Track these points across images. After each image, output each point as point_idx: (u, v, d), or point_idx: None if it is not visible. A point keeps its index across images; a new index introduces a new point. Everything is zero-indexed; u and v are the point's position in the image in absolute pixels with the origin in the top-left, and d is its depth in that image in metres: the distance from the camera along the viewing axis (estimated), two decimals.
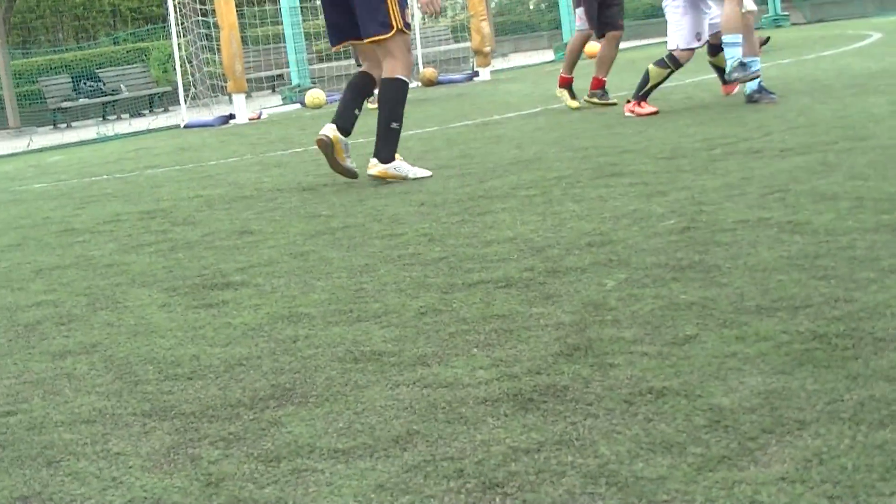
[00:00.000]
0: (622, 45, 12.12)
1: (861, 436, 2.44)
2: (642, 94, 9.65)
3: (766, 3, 24.88)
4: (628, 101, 9.75)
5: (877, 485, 2.21)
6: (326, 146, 7.49)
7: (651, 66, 9.72)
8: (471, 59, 21.89)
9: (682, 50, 9.51)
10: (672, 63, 9.62)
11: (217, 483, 2.64)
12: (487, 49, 20.05)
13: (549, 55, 24.74)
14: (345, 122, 7.77)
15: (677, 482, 2.33)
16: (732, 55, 8.85)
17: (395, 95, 7.67)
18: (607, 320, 3.59)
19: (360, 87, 8.09)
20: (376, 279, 4.61)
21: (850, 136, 6.61)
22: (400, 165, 7.65)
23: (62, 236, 6.98)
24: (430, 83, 18.51)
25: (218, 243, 5.95)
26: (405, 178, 7.54)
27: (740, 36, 8.83)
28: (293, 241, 5.70)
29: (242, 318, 4.23)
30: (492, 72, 20.27)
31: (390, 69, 7.58)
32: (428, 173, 7.62)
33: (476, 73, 20.06)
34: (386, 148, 7.64)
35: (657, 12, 30.89)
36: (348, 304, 4.25)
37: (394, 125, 7.66)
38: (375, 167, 7.60)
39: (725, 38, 8.93)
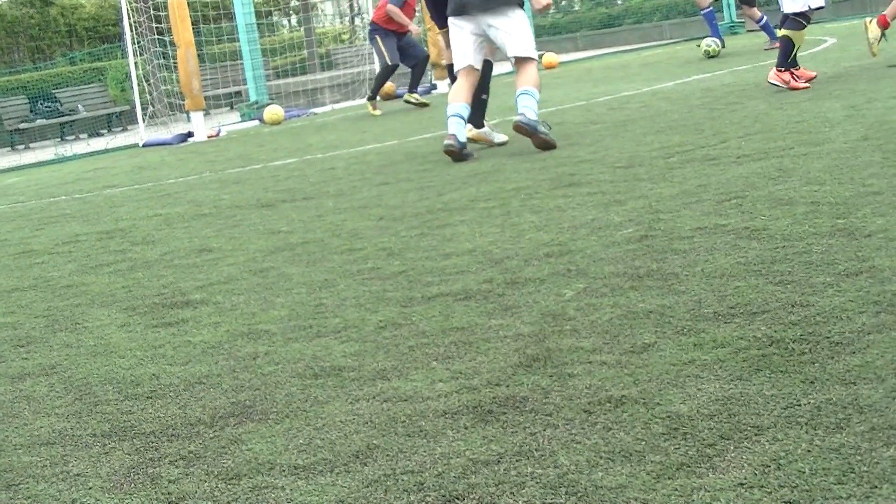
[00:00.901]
0: (581, 55, 12.22)
1: (818, 440, 2.46)
2: (791, 61, 9.82)
3: (722, 11, 25.00)
4: (780, 70, 9.85)
5: (833, 488, 2.23)
6: (454, 153, 8.69)
7: (788, 32, 9.89)
8: (428, 73, 21.89)
9: (812, 9, 9.84)
10: (805, 20, 9.97)
11: (178, 502, 2.64)
12: (444, 62, 20.04)
13: (506, 67, 24.76)
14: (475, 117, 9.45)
15: (636, 490, 2.35)
16: None
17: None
18: (566, 330, 3.60)
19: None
20: (336, 294, 4.61)
21: (806, 141, 6.65)
22: (487, 131, 9.53)
23: (20, 258, 6.94)
24: (388, 97, 18.49)
25: (177, 262, 5.93)
26: (492, 143, 9.40)
27: None
28: (252, 258, 5.69)
29: (202, 337, 4.22)
30: (449, 84, 20.28)
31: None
32: (505, 138, 9.35)
33: (434, 87, 20.05)
34: (476, 116, 9.36)
35: (614, 22, 31.05)
36: (308, 319, 4.25)
37: (483, 96, 9.55)
38: (471, 131, 9.28)
39: None
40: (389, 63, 15.63)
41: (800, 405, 2.67)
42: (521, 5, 9.13)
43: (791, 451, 2.42)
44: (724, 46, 16.71)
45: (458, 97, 8.90)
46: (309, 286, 4.84)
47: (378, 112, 15.49)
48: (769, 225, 4.63)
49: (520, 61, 8.99)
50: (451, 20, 9.15)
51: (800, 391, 2.76)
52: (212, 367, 3.79)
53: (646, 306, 3.73)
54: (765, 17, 16.58)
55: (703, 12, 17.24)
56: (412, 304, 4.26)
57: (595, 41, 29.67)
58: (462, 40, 9.06)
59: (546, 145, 8.44)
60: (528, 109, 8.62)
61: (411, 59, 15.89)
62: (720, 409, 2.71)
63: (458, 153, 8.60)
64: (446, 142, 8.64)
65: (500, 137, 9.45)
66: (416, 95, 16.05)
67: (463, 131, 8.80)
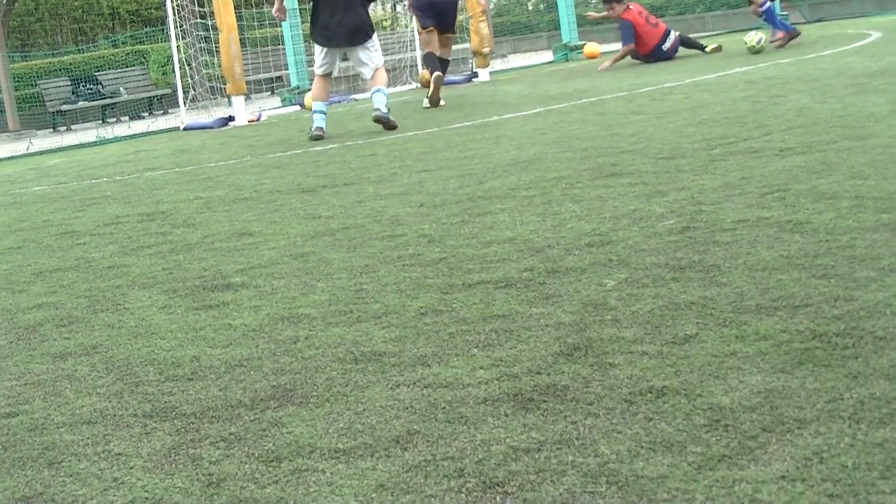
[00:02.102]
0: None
1: (861, 434, 2.45)
2: None
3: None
4: None
5: (877, 483, 2.22)
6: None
7: None
8: (470, 61, 21.87)
9: None
10: None
11: (218, 483, 2.65)
12: (486, 50, 20.01)
13: (548, 56, 24.72)
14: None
15: (677, 481, 2.34)
16: None
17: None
18: (607, 320, 3.59)
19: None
20: (376, 280, 4.62)
21: (850, 135, 6.61)
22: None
23: (62, 239, 6.98)
24: (427, 85, 18.47)
25: (218, 245, 5.95)
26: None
27: None
28: (293, 243, 5.70)
29: (243, 320, 4.24)
30: (491, 73, 20.25)
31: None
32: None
33: (475, 74, 20.02)
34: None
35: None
36: (348, 304, 4.25)
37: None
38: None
39: None
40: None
41: (843, 399, 2.65)
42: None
43: (834, 445, 2.41)
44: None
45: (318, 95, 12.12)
46: (349, 271, 4.85)
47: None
48: (812, 218, 4.60)
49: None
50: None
51: (843, 385, 2.74)
52: (252, 350, 3.80)
53: (687, 297, 3.72)
54: (768, 3, 16.57)
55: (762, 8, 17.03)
56: (453, 290, 4.26)
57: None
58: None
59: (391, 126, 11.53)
60: (381, 104, 11.64)
61: None
62: (762, 402, 2.70)
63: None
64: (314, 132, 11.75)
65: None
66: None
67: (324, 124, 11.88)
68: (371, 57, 11.88)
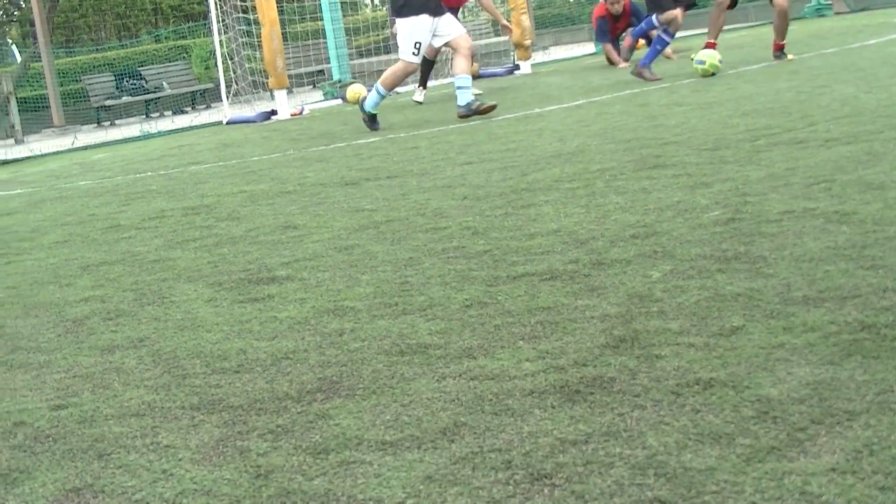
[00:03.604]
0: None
1: None
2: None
3: None
4: None
5: None
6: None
7: None
8: (511, 53, 21.84)
9: None
10: None
11: (266, 475, 2.66)
12: (528, 42, 19.99)
13: (589, 48, 24.63)
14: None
15: (726, 473, 2.33)
16: None
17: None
18: (653, 312, 3.58)
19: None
20: (421, 272, 4.62)
21: None
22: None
23: (108, 233, 7.03)
24: (472, 77, 18.48)
25: (262, 238, 5.97)
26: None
27: None
28: (337, 236, 5.72)
29: (288, 312, 4.25)
30: (532, 65, 20.22)
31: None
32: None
33: (517, 67, 19.99)
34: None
35: (698, 3, 30.76)
36: (393, 297, 4.26)
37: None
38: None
39: None
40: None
41: (893, 391, 2.63)
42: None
43: (884, 437, 2.39)
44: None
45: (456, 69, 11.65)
46: (394, 264, 4.86)
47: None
48: (859, 209, 4.57)
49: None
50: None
51: (892, 377, 2.72)
52: (298, 342, 3.81)
53: (734, 289, 3.70)
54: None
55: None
56: (497, 283, 4.26)
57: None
58: None
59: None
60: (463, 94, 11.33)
61: None
62: (811, 394, 2.69)
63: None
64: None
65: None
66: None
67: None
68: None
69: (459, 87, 11.37)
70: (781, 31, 13.00)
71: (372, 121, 11.74)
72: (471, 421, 2.83)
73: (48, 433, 3.20)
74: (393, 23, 14.34)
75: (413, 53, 11.40)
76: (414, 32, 11.34)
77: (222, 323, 4.24)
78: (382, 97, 11.74)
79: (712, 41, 12.88)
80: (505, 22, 16.35)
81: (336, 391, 3.23)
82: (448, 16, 11.62)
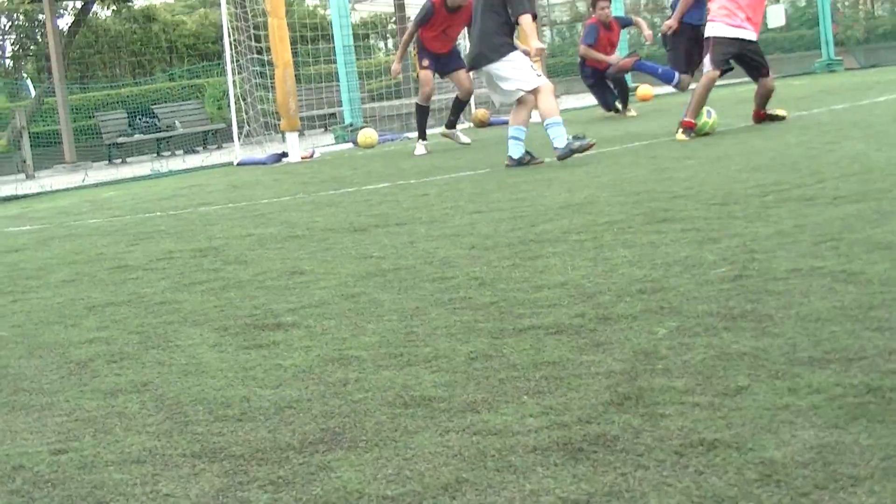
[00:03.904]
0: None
1: None
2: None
3: (820, 48, 24.82)
4: None
5: None
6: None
7: None
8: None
9: None
10: None
11: None
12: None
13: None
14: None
15: None
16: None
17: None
18: (658, 369, 3.57)
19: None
20: (427, 323, 4.62)
21: None
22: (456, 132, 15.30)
23: (115, 273, 7.03)
24: (482, 124, 18.55)
25: (269, 283, 5.97)
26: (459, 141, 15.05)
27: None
28: (344, 283, 5.71)
29: (293, 360, 4.24)
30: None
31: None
32: (469, 140, 15.02)
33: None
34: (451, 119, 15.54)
35: None
36: (399, 347, 4.25)
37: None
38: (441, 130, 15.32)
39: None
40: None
41: None
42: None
43: (889, 503, 2.38)
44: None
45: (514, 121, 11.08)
46: (400, 313, 4.85)
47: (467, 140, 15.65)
48: (867, 269, 4.57)
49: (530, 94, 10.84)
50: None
51: None
52: (302, 391, 3.80)
53: (740, 348, 3.69)
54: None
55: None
56: (503, 335, 4.25)
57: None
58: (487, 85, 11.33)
59: (585, 147, 10.52)
60: (559, 139, 10.63)
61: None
62: (815, 458, 2.67)
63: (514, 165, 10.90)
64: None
65: (465, 139, 14.98)
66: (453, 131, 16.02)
67: (518, 149, 10.97)
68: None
69: (551, 127, 10.73)
70: (763, 102, 12.44)
71: (525, 159, 11.05)
72: (473, 477, 2.81)
73: (47, 478, 3.19)
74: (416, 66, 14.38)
75: (538, 76, 10.98)
76: (524, 58, 10.98)
77: (226, 369, 4.23)
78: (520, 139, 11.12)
79: (691, 121, 11.81)
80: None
81: (338, 443, 3.22)
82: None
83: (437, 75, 14.90)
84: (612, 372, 3.60)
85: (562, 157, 10.61)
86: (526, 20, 10.76)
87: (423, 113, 14.90)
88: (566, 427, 3.11)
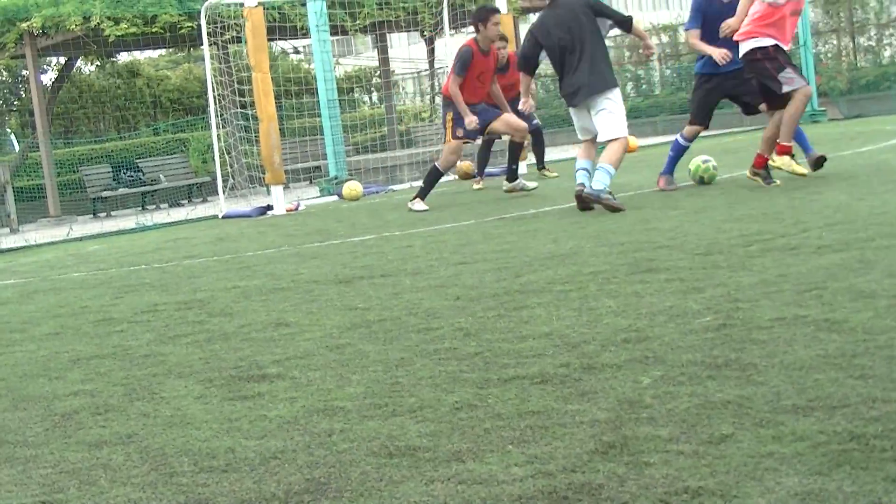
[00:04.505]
0: (660, 139, 12.29)
1: None
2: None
3: None
4: None
5: None
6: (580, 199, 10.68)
7: None
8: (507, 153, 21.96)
9: None
10: None
11: None
12: (525, 143, 20.09)
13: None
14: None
15: None
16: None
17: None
18: (643, 418, 3.58)
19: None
20: (412, 373, 4.62)
21: (889, 233, 6.60)
22: (520, 182, 14.42)
23: (100, 326, 7.02)
24: (466, 176, 18.59)
25: (254, 335, 5.97)
26: (525, 189, 14.38)
27: None
28: (329, 334, 5.72)
29: (278, 411, 4.24)
30: (528, 165, 20.34)
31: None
32: (535, 185, 14.67)
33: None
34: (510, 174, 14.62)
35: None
36: (384, 398, 4.25)
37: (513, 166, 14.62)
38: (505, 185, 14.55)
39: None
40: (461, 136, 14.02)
41: (881, 503, 2.63)
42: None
43: None
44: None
45: (583, 155, 11.04)
46: (385, 364, 4.86)
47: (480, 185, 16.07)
48: (850, 317, 4.59)
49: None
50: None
51: (881, 489, 2.72)
52: (287, 442, 3.80)
53: (724, 396, 3.70)
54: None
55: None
56: (488, 385, 4.26)
57: (674, 126, 29.59)
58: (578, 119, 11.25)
59: (613, 206, 10.17)
60: (598, 182, 10.43)
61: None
62: None
63: (582, 199, 10.56)
64: (576, 189, 10.68)
65: (531, 185, 14.52)
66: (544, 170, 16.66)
67: (588, 180, 10.64)
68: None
69: (601, 171, 10.61)
70: (771, 144, 11.14)
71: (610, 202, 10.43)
72: None
73: None
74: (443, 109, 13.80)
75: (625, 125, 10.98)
76: (621, 100, 11.08)
77: (211, 420, 4.23)
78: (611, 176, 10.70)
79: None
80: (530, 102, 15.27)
81: (324, 493, 3.21)
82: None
83: (479, 135, 13.97)
84: (597, 421, 3.61)
85: (586, 198, 10.50)
86: (636, 21, 10.92)
87: (437, 177, 13.83)
88: (551, 476, 3.12)
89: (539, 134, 16.81)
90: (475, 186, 16.10)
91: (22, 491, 3.59)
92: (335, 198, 18.23)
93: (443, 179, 14.76)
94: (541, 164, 17.24)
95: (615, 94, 10.89)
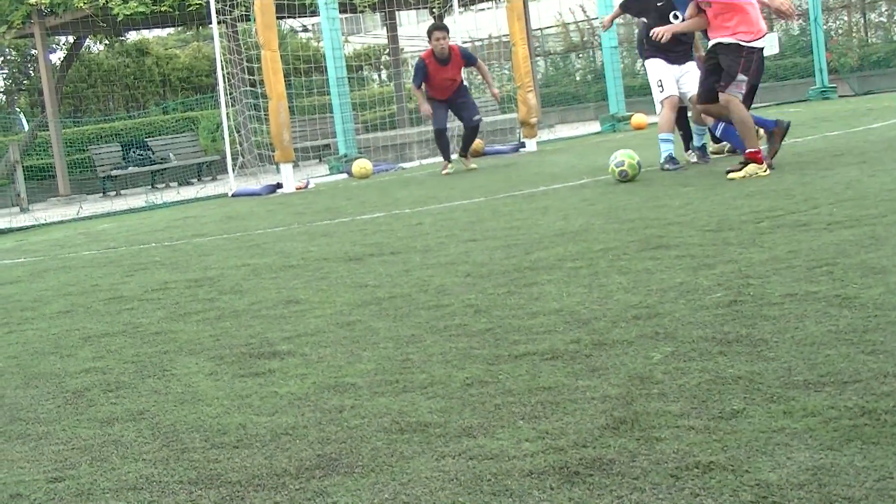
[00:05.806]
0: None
1: None
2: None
3: (814, 76, 24.88)
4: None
5: None
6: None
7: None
8: (517, 130, 21.96)
9: None
10: None
11: None
12: (534, 120, 20.07)
13: (595, 126, 24.77)
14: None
15: None
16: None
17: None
18: (654, 394, 3.58)
19: None
20: (422, 350, 4.62)
21: None
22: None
23: (111, 304, 7.03)
24: (476, 154, 18.57)
25: (265, 312, 5.98)
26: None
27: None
28: (340, 311, 5.72)
29: (289, 388, 4.25)
30: (538, 143, 20.31)
31: None
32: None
33: (522, 145, 20.07)
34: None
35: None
36: (394, 374, 4.26)
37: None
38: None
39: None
40: (434, 127, 16.31)
41: (892, 478, 2.63)
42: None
43: None
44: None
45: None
46: (395, 341, 4.86)
47: (450, 170, 16.03)
48: (861, 293, 4.58)
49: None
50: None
51: (892, 463, 2.71)
52: (298, 418, 3.80)
53: (735, 372, 3.70)
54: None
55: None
56: (499, 362, 4.26)
57: None
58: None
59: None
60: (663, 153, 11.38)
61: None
62: (810, 479, 2.68)
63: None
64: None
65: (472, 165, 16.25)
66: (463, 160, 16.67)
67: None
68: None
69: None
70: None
71: (672, 162, 11.51)
72: (469, 501, 2.82)
73: None
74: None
75: (661, 90, 11.72)
76: (653, 71, 11.86)
77: (222, 397, 4.24)
78: (669, 141, 11.63)
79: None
80: (495, 90, 16.45)
81: (335, 468, 3.22)
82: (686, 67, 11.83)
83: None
84: (608, 396, 3.61)
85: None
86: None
87: (440, 137, 16.17)
88: (562, 451, 3.12)
89: (475, 130, 16.54)
90: (443, 172, 16.09)
91: (34, 467, 3.60)
92: (345, 176, 18.22)
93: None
94: (464, 152, 16.84)
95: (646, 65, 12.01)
